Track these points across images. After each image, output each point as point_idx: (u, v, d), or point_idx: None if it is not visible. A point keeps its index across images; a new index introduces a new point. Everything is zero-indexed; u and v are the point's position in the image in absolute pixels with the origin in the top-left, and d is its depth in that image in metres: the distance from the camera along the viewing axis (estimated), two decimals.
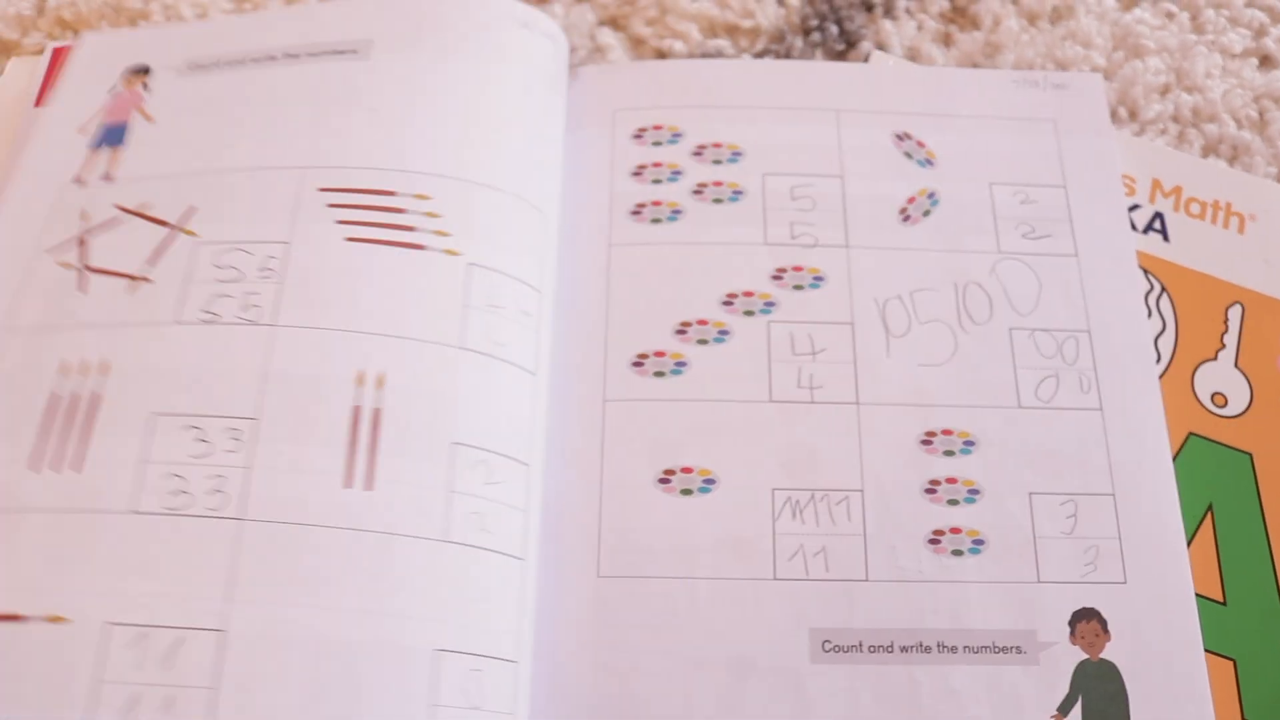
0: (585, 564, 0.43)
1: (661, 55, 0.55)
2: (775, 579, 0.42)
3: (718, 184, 0.50)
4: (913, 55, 0.55)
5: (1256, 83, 0.55)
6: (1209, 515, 0.45)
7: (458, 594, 0.39)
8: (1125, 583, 0.43)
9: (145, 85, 0.50)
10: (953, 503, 0.44)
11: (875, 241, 0.49)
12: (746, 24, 0.56)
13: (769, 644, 0.42)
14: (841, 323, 0.47)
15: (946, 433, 0.45)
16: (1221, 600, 0.44)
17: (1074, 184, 0.50)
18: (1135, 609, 0.42)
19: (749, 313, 0.47)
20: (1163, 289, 0.49)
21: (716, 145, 0.50)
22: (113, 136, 0.49)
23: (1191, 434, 0.46)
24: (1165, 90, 0.55)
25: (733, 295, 0.47)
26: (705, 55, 0.55)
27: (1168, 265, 0.49)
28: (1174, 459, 0.46)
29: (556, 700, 0.40)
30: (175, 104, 0.49)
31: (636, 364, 0.46)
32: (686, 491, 0.44)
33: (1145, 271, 0.49)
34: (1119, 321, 0.47)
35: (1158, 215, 0.50)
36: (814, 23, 0.56)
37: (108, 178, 0.47)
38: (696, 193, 0.49)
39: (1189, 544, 0.44)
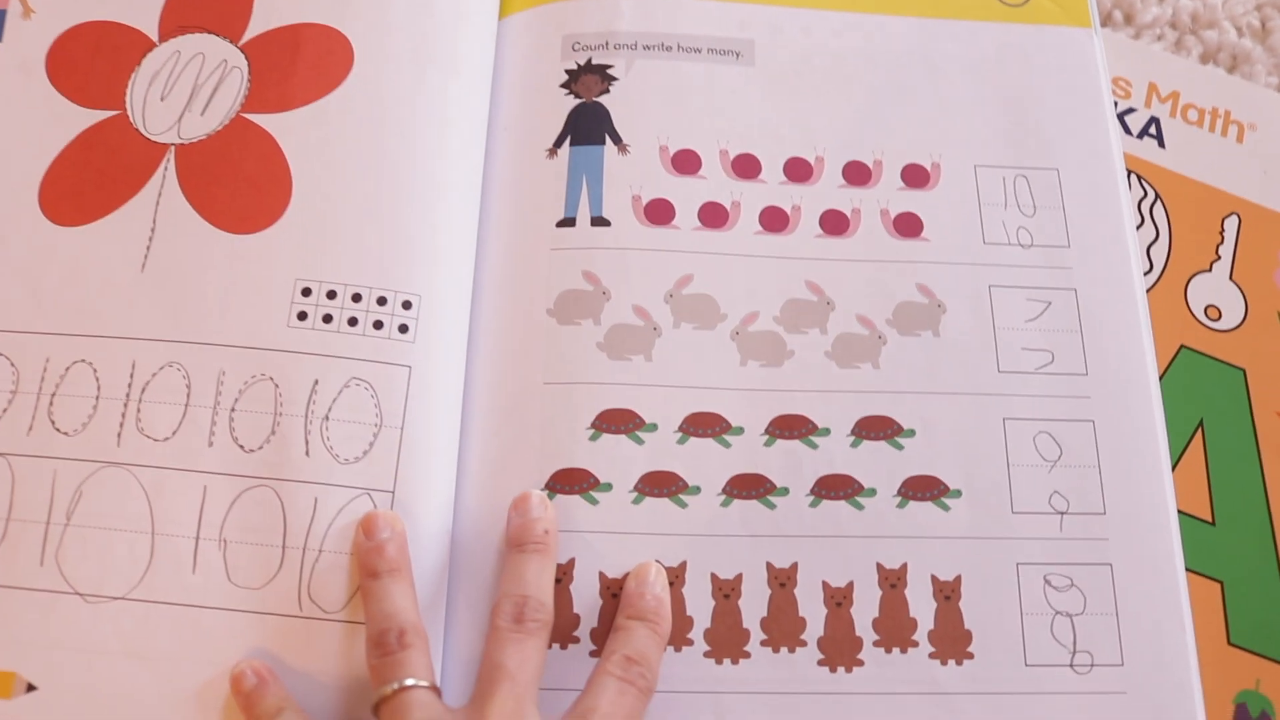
0: None
1: None
2: None
3: None
4: None
5: None
6: (1199, 432, 0.43)
7: None
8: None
9: None
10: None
11: None
12: None
13: None
14: None
15: None
16: (1210, 520, 0.41)
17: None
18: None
19: None
20: (1157, 196, 0.46)
21: None
22: None
23: (1183, 347, 0.44)
24: None
25: None
26: None
27: (1162, 172, 0.47)
28: (1164, 373, 0.43)
29: None
30: None
31: None
32: None
33: (1139, 177, 0.46)
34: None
35: (1153, 120, 0.48)
36: None
37: None
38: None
39: (1177, 461, 0.42)
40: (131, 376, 0.39)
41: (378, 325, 0.40)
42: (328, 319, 0.40)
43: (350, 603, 0.37)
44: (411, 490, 0.39)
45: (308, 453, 0.38)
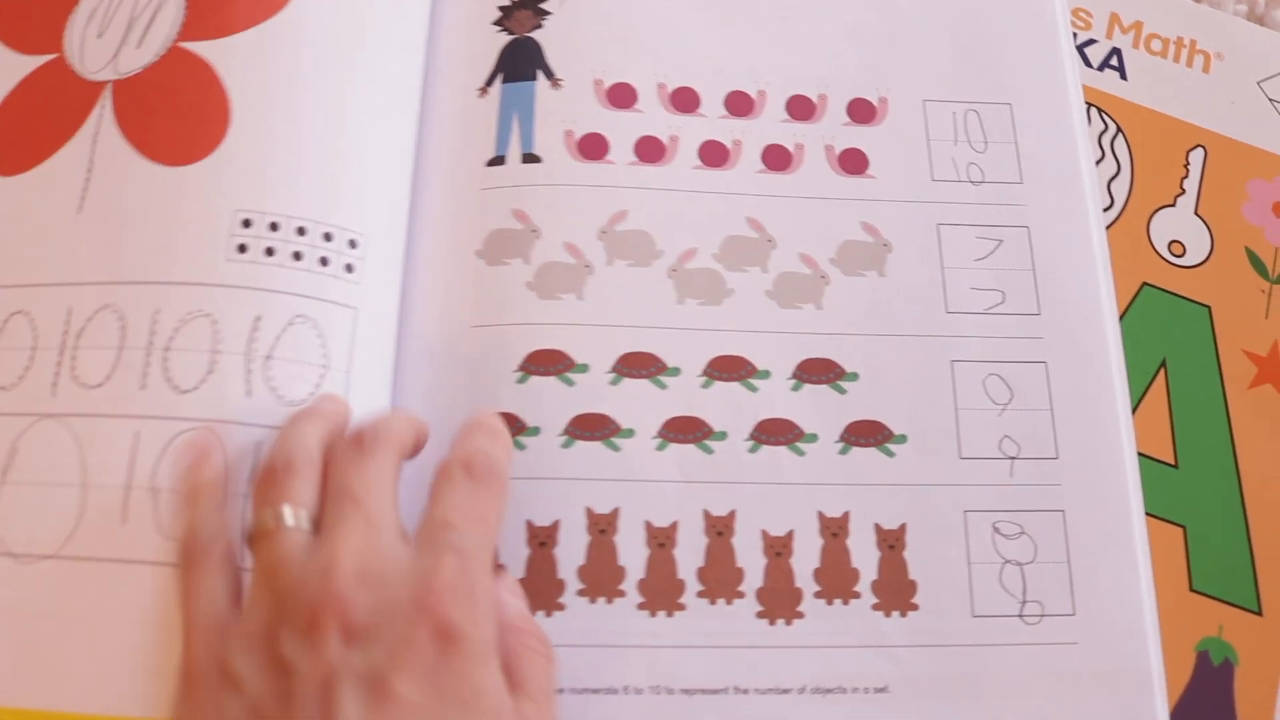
0: None
1: None
2: None
3: None
4: None
5: None
6: (1162, 371, 0.41)
7: None
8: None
9: None
10: None
11: None
12: None
13: None
14: None
15: None
16: (1173, 462, 0.39)
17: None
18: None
19: None
20: (1118, 130, 0.44)
21: None
22: None
23: (1146, 284, 0.42)
24: None
25: None
26: None
27: (1124, 104, 0.45)
28: (1125, 312, 0.41)
29: None
30: None
31: None
32: None
33: (1100, 111, 0.44)
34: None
35: (1115, 51, 0.45)
36: None
37: None
38: None
39: (1139, 402, 0.40)
40: (68, 324, 0.37)
41: (323, 262, 0.38)
42: (270, 252, 0.38)
43: None
44: None
45: (249, 393, 0.36)
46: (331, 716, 0.27)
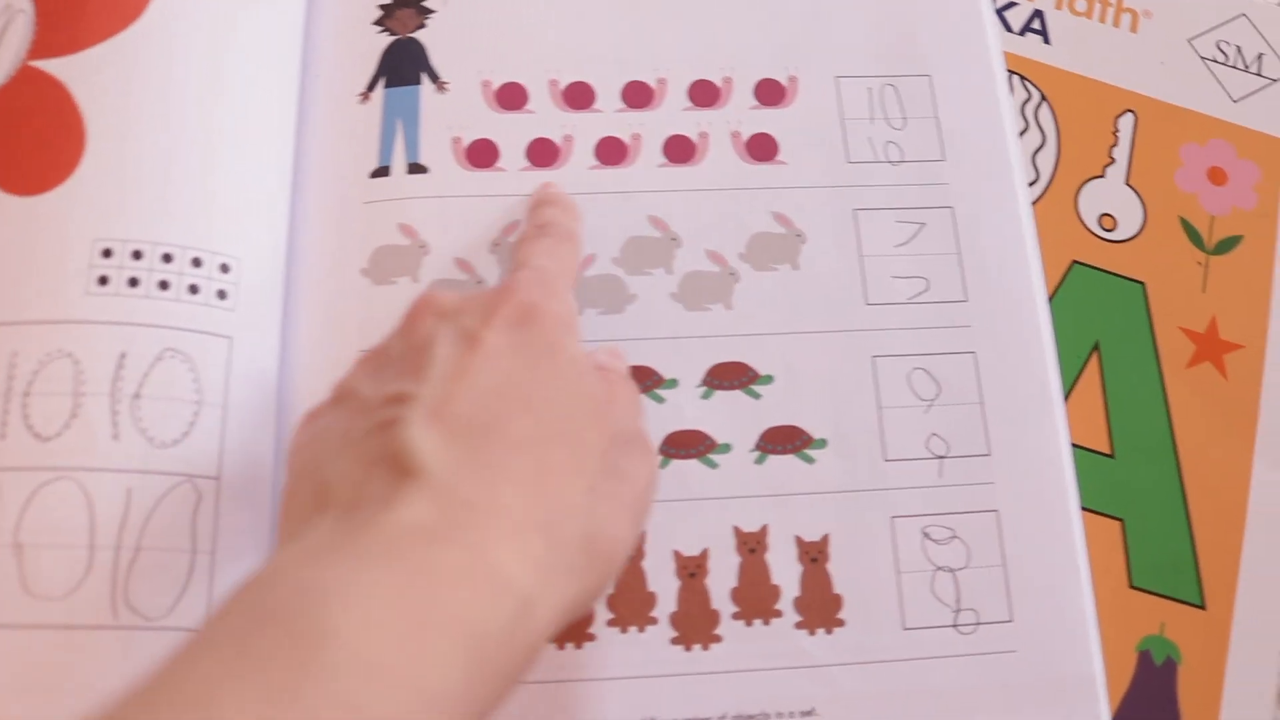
0: None
1: None
2: None
3: None
4: None
5: None
6: (1095, 355, 0.38)
7: None
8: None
9: None
10: None
11: None
12: None
13: None
14: None
15: None
16: (1108, 452, 0.37)
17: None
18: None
19: None
20: (1042, 98, 0.42)
21: None
22: None
23: (1075, 262, 0.39)
24: None
25: None
26: None
27: (1048, 70, 0.42)
28: (1054, 293, 0.39)
29: None
30: None
31: None
32: None
33: (1022, 78, 0.42)
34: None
35: (1037, 14, 0.43)
36: None
37: None
38: None
39: (1070, 390, 0.38)
40: None
41: (193, 290, 0.36)
42: (134, 283, 0.35)
43: (177, 607, 0.33)
44: (238, 476, 0.35)
45: (116, 436, 0.34)
46: (426, 359, 0.29)
